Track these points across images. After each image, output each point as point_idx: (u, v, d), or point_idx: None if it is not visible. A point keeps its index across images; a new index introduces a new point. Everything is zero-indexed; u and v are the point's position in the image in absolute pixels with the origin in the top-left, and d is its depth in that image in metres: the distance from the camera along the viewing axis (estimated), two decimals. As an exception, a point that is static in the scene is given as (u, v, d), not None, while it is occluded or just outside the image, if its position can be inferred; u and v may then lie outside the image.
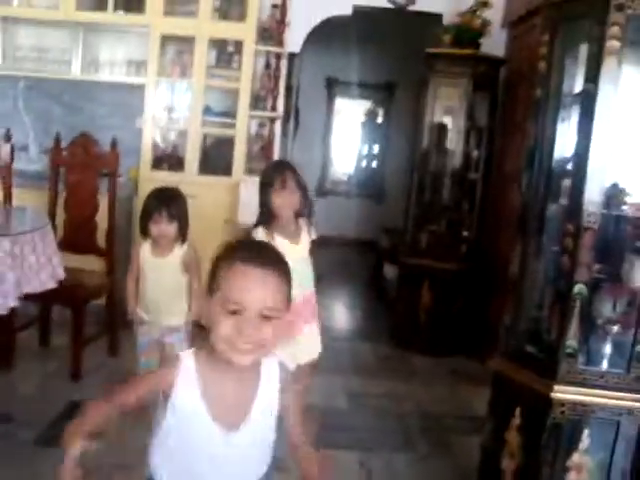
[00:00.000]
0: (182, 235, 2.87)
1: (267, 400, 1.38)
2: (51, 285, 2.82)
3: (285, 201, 2.65)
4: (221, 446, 1.33)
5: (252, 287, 1.26)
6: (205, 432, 1.32)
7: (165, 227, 2.80)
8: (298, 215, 2.73)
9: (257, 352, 1.29)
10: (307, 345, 2.74)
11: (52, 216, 3.62)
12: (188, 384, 1.32)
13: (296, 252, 2.66)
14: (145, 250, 2.89)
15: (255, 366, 1.34)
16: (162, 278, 2.88)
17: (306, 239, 2.75)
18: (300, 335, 2.70)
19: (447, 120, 4.50)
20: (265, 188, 2.68)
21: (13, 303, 2.73)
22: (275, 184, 2.64)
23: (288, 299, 1.33)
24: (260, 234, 2.67)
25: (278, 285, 1.29)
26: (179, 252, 2.87)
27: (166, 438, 1.35)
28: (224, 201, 4.38)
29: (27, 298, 2.76)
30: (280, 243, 2.64)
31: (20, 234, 2.81)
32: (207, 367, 1.33)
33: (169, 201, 2.82)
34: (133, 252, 2.96)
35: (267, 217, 2.69)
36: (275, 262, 1.32)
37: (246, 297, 1.25)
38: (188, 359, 1.34)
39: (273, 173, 2.71)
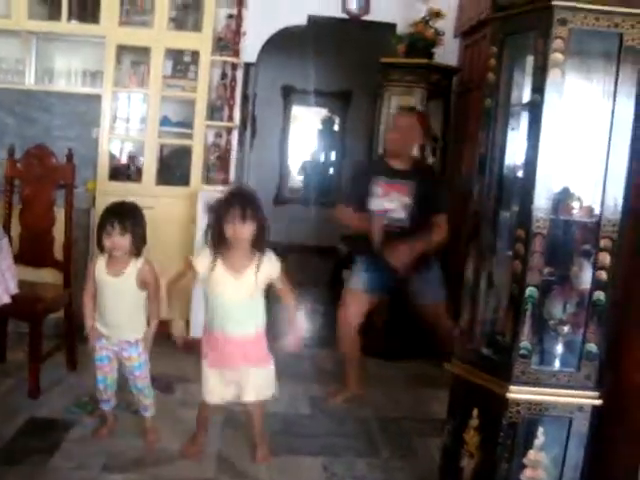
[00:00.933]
0: (137, 249, 2.83)
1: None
2: (5, 300, 2.73)
3: (237, 233, 2.58)
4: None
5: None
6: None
7: (117, 240, 2.76)
8: (255, 246, 2.65)
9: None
10: (251, 385, 2.73)
11: (7, 229, 3.57)
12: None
13: (236, 288, 2.65)
14: (100, 267, 2.86)
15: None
16: (119, 295, 2.86)
17: (251, 278, 2.65)
18: (237, 370, 2.72)
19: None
20: (219, 216, 2.60)
21: (6, 300, 2.69)
22: (229, 215, 2.57)
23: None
24: (203, 255, 2.66)
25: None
26: (134, 269, 2.83)
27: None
28: (182, 211, 4.38)
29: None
30: (220, 274, 2.64)
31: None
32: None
33: (123, 214, 2.79)
34: (89, 268, 2.92)
35: (218, 242, 2.63)
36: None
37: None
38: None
39: (229, 203, 2.61)
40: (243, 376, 2.74)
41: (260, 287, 2.70)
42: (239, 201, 2.60)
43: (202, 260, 2.66)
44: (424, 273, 3.47)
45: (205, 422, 2.91)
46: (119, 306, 2.86)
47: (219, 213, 2.61)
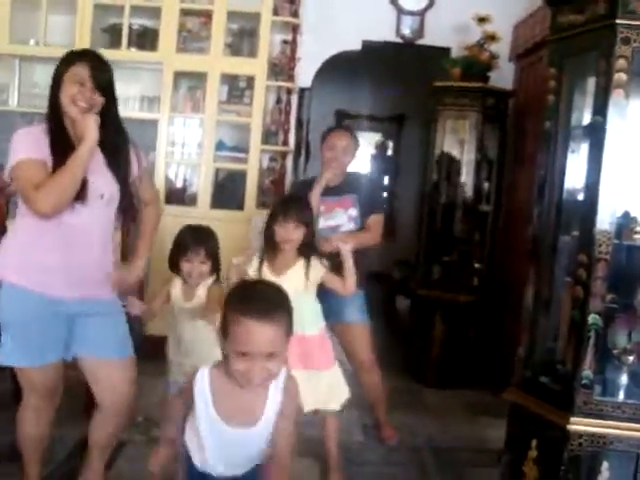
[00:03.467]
0: (214, 273, 2.66)
1: (275, 402, 1.67)
2: None
3: (286, 235, 2.63)
4: (231, 441, 1.68)
5: (254, 339, 1.53)
6: (217, 432, 1.67)
7: (198, 267, 2.61)
8: (301, 252, 2.68)
9: (265, 382, 1.62)
10: (310, 393, 2.62)
11: None
12: (202, 398, 1.66)
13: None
14: (177, 289, 2.70)
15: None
16: (194, 319, 2.62)
17: (293, 277, 2.65)
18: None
19: (457, 152, 4.52)
20: (271, 218, 2.70)
21: None
22: (282, 218, 2.64)
23: (288, 334, 1.60)
24: (253, 264, 2.71)
25: (275, 330, 1.55)
26: (204, 290, 2.64)
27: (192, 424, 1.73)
28: (237, 235, 4.41)
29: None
30: (265, 276, 2.66)
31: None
32: (221, 381, 1.65)
33: (205, 240, 2.65)
34: (163, 288, 2.73)
35: (268, 248, 2.70)
36: (273, 309, 1.56)
37: (251, 347, 1.54)
38: (203, 378, 1.67)
39: (280, 205, 2.73)
40: (309, 382, 2.63)
41: (308, 288, 2.68)
42: (293, 205, 2.69)
43: (253, 264, 2.71)
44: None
45: None
46: (195, 332, 2.64)
47: (272, 215, 2.69)
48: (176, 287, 2.70)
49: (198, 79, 4.60)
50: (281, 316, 1.57)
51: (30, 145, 2.17)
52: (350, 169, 3.36)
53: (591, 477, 2.17)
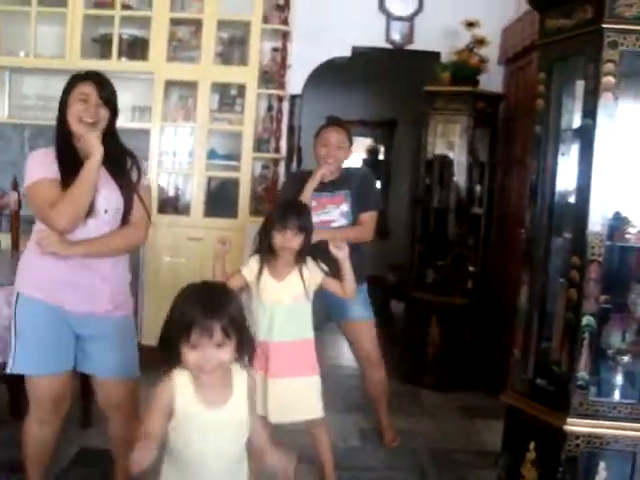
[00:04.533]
0: (241, 355, 1.81)
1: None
2: None
3: (285, 242, 2.61)
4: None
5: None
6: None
7: (215, 353, 1.71)
8: (299, 258, 2.67)
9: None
10: (295, 401, 2.63)
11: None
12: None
13: (279, 293, 2.65)
14: (185, 393, 1.77)
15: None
16: (219, 435, 1.79)
17: (293, 282, 2.66)
18: (282, 380, 2.63)
19: (449, 155, 4.54)
20: (269, 223, 2.67)
21: None
22: (281, 224, 2.62)
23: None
24: (252, 263, 2.69)
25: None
26: (241, 389, 1.82)
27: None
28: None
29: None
30: (265, 281, 2.66)
31: None
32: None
33: (223, 313, 1.70)
34: (158, 393, 1.79)
35: (265, 251, 2.68)
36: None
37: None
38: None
39: (279, 212, 2.69)
40: (288, 389, 2.63)
41: (306, 292, 2.68)
42: (292, 212, 2.66)
43: (250, 267, 2.69)
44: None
45: None
46: (218, 453, 1.80)
47: (270, 221, 2.66)
48: (181, 385, 1.77)
49: (189, 88, 4.61)
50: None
51: (44, 165, 2.29)
52: (347, 164, 3.36)
53: (588, 477, 2.19)
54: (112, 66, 4.49)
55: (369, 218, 3.27)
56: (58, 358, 2.37)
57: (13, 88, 4.76)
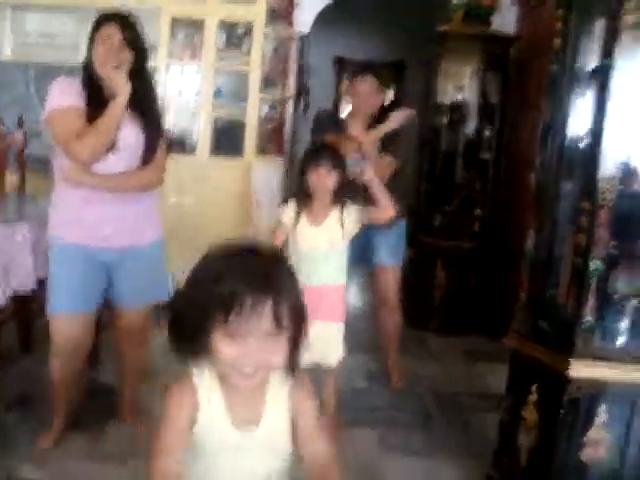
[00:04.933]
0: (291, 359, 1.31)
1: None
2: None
3: (320, 181, 2.63)
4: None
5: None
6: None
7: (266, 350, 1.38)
8: (336, 198, 2.68)
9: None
10: (319, 345, 2.58)
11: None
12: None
13: (317, 238, 2.66)
14: (215, 408, 1.35)
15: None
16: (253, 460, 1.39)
17: (331, 226, 2.67)
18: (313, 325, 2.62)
19: (458, 98, 4.46)
20: (303, 165, 2.69)
21: (32, 285, 2.80)
22: (314, 164, 2.63)
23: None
24: (289, 209, 2.70)
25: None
26: (280, 404, 1.37)
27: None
28: (236, 182, 4.40)
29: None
30: (303, 225, 2.68)
31: (36, 220, 2.86)
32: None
33: (275, 288, 1.24)
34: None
35: (301, 195, 2.69)
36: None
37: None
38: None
39: (315, 153, 2.71)
40: (321, 332, 2.58)
41: (344, 237, 2.70)
42: (324, 151, 2.69)
43: (287, 212, 2.71)
44: (383, 228, 3.07)
45: None
46: None
47: (305, 163, 2.68)
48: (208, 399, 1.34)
49: (196, 26, 4.52)
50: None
51: (70, 95, 2.34)
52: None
53: (589, 420, 2.21)
54: (118, 2, 4.38)
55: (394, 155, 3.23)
56: (87, 298, 2.48)
57: (15, 26, 4.67)
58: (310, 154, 2.71)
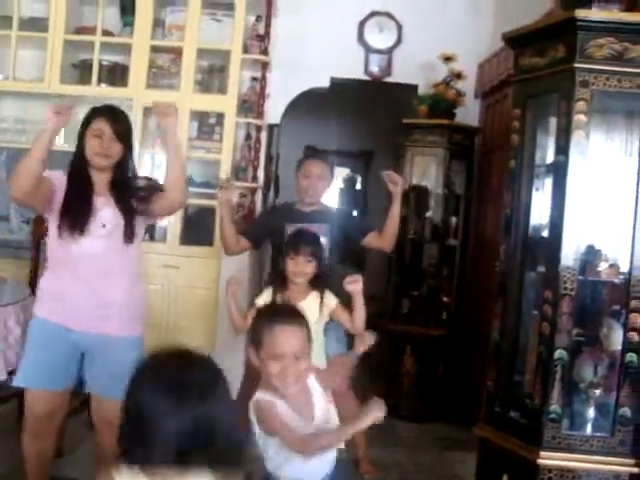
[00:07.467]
0: None
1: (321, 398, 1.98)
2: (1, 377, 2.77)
3: (298, 268, 2.64)
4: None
5: (286, 341, 1.79)
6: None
7: None
8: (313, 285, 2.69)
9: (297, 381, 1.84)
10: None
11: (33, 287, 3.59)
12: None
13: None
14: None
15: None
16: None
17: (310, 306, 2.62)
18: None
19: (425, 187, 4.59)
20: (284, 253, 2.70)
21: (2, 377, 2.72)
22: (294, 251, 2.65)
23: (309, 339, 1.86)
24: (265, 295, 2.71)
25: (302, 331, 1.84)
26: None
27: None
28: (207, 270, 4.39)
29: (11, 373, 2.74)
30: None
31: (1, 306, 2.81)
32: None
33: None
34: None
35: (278, 280, 2.70)
36: (297, 317, 1.87)
37: (282, 348, 1.79)
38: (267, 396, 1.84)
39: (291, 239, 2.75)
40: None
41: (320, 319, 2.68)
42: (304, 239, 2.71)
43: (264, 297, 2.71)
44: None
45: None
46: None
47: (285, 249, 2.69)
48: None
49: (167, 115, 4.61)
50: (303, 322, 1.86)
51: (54, 174, 2.48)
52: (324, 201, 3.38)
53: (561, 511, 2.19)
54: (91, 92, 4.49)
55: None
56: (55, 375, 2.46)
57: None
58: (289, 242, 2.74)
